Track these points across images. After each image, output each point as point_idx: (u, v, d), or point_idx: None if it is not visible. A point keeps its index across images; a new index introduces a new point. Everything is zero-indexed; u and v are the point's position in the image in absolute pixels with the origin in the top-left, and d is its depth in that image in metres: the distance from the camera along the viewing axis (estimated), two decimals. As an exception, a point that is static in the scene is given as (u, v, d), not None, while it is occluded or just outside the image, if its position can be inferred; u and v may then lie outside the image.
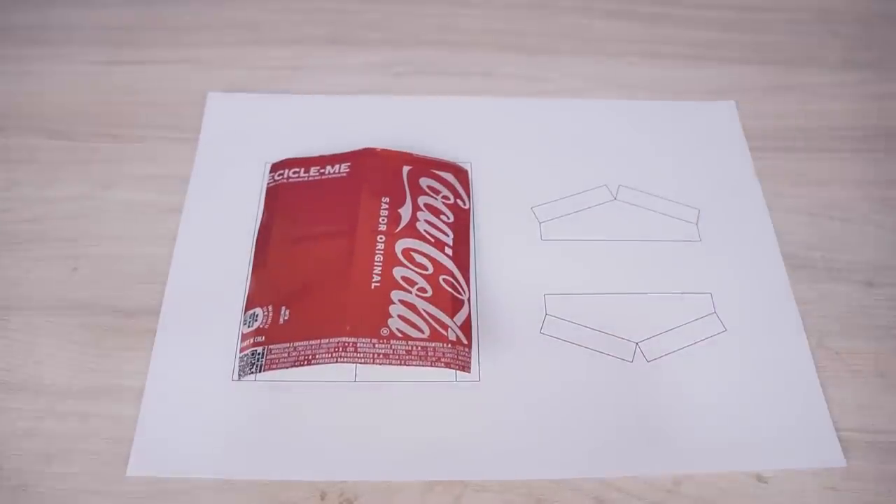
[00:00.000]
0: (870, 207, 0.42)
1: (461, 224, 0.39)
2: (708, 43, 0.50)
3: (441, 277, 0.36)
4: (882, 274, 0.39)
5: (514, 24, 0.51)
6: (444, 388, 0.35)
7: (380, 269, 0.35)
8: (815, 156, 0.44)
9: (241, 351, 0.35)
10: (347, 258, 0.36)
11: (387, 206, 0.38)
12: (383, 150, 0.40)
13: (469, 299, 0.37)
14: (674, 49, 0.50)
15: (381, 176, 0.39)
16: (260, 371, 0.34)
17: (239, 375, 0.34)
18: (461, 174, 0.41)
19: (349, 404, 0.34)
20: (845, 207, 0.42)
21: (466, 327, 0.36)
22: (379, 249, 0.36)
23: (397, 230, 0.37)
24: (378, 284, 0.35)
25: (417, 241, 0.37)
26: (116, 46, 0.48)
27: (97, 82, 0.46)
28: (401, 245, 0.37)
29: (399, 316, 0.34)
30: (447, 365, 0.34)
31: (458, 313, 0.36)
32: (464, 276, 0.37)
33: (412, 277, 0.36)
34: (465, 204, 0.40)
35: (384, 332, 0.34)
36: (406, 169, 0.40)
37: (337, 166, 0.40)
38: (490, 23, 0.51)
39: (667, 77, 0.48)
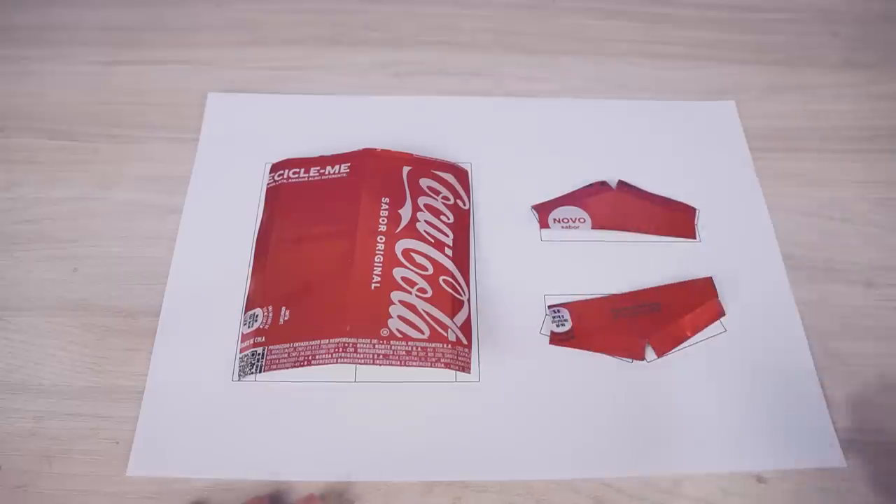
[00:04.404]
0: (869, 208, 0.42)
1: (461, 224, 0.39)
2: (708, 43, 0.50)
3: (441, 278, 0.36)
4: (881, 274, 0.39)
5: (514, 24, 0.51)
6: (443, 388, 0.35)
7: (380, 269, 0.35)
8: (816, 156, 0.44)
9: (241, 351, 0.35)
10: (348, 259, 0.36)
11: (387, 207, 0.38)
12: (383, 151, 0.40)
13: (469, 300, 0.37)
14: (674, 49, 0.50)
15: (381, 176, 0.39)
16: (260, 371, 0.34)
17: (239, 376, 0.34)
18: (461, 174, 0.41)
19: (349, 404, 0.34)
20: (845, 208, 0.42)
21: (466, 328, 0.36)
22: (379, 250, 0.36)
23: (397, 231, 0.37)
24: (378, 285, 0.35)
25: (417, 242, 0.37)
26: (117, 47, 0.48)
27: (97, 82, 0.46)
28: (401, 246, 0.37)
29: (399, 316, 0.34)
30: (447, 365, 0.34)
31: (458, 314, 0.36)
32: (464, 277, 0.37)
33: (412, 278, 0.36)
34: (465, 204, 0.40)
35: (384, 332, 0.34)
36: (406, 169, 0.40)
37: (337, 167, 0.40)
38: (490, 23, 0.51)
39: (667, 77, 0.48)
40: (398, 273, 0.36)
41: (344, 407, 0.34)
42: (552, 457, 0.33)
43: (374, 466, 0.33)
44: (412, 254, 0.37)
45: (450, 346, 0.34)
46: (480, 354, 0.36)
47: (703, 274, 0.38)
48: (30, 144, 0.43)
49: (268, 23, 0.50)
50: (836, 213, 0.42)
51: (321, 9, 0.51)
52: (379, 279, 0.35)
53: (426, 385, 0.35)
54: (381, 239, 0.37)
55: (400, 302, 0.35)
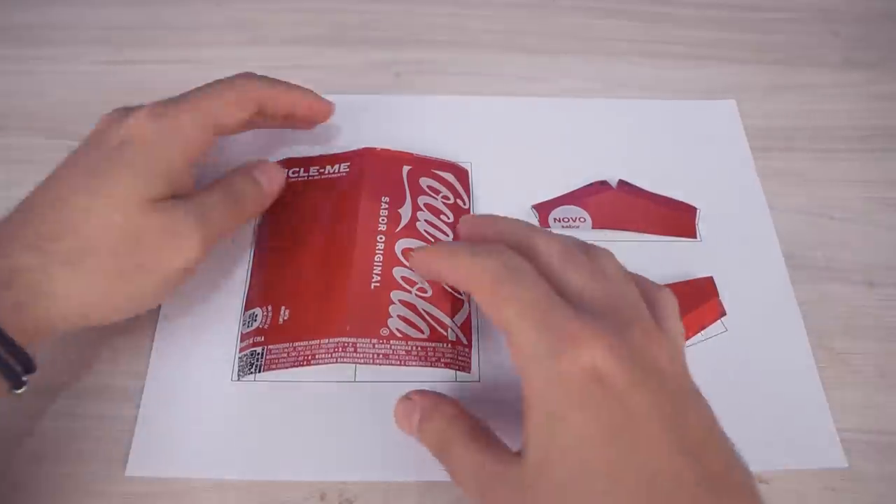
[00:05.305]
0: (871, 207, 0.42)
1: None
2: (708, 42, 0.50)
3: None
4: (883, 274, 0.39)
5: (514, 23, 0.51)
6: (444, 388, 0.35)
7: (380, 269, 0.35)
8: (816, 155, 0.44)
9: (240, 351, 0.35)
10: (347, 258, 0.36)
11: (387, 206, 0.38)
12: (383, 150, 0.40)
13: (469, 299, 0.37)
14: (674, 48, 0.50)
15: (381, 176, 0.39)
16: (259, 371, 0.34)
17: (238, 375, 0.34)
18: (461, 174, 0.41)
19: (349, 404, 0.34)
20: (846, 207, 0.42)
21: (466, 327, 0.36)
22: (379, 249, 0.36)
23: (397, 230, 0.37)
24: (378, 284, 0.35)
25: (417, 241, 0.37)
26: (117, 46, 0.48)
27: (98, 82, 0.46)
28: (401, 245, 0.36)
29: (399, 316, 0.34)
30: (447, 365, 0.34)
31: (459, 313, 0.36)
32: None
33: (412, 277, 0.35)
34: (464, 204, 0.40)
35: (384, 332, 0.34)
36: (406, 169, 0.40)
37: (337, 166, 0.40)
38: (490, 23, 0.51)
39: (667, 76, 0.48)
40: (398, 272, 0.35)
41: (344, 406, 0.34)
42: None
43: (373, 466, 0.33)
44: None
45: (450, 345, 0.34)
46: (480, 354, 0.36)
47: (703, 273, 0.38)
48: (29, 144, 0.43)
49: (268, 22, 0.50)
50: (837, 212, 0.42)
51: (321, 8, 0.51)
52: (379, 278, 0.35)
53: (426, 385, 0.35)
54: (380, 238, 0.36)
55: (400, 301, 0.35)
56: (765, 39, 0.51)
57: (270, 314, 0.35)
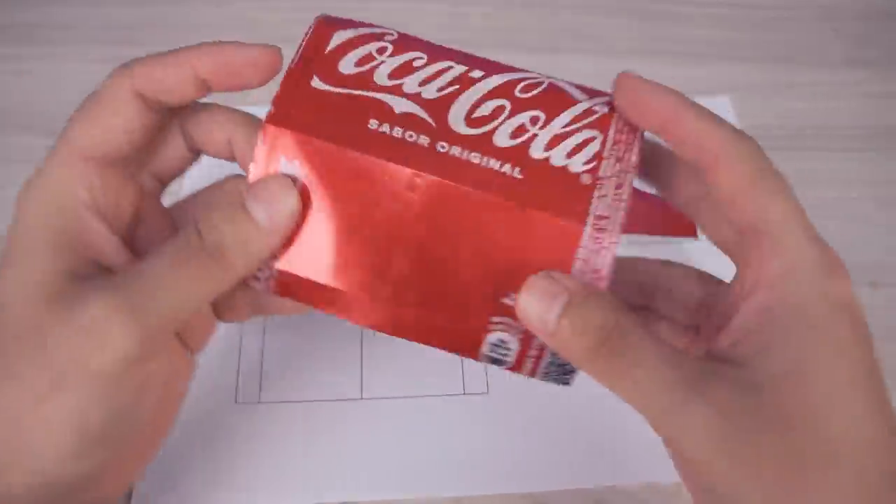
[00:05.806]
0: (873, 207, 0.42)
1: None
2: (709, 40, 0.50)
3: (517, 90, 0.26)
4: (885, 274, 0.39)
5: (513, 21, 0.51)
6: (452, 402, 0.34)
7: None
8: (817, 155, 0.44)
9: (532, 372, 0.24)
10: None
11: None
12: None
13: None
14: (674, 46, 0.49)
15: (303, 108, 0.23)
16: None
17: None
18: None
19: (356, 422, 0.34)
20: (848, 207, 0.42)
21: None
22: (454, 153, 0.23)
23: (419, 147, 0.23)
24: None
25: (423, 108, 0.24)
26: (117, 46, 0.48)
27: (97, 81, 0.46)
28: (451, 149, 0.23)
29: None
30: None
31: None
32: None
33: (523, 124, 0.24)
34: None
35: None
36: (336, 38, 0.25)
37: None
38: (490, 20, 0.51)
39: (667, 75, 0.47)
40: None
41: (351, 425, 0.34)
42: (559, 466, 0.33)
43: (381, 484, 0.32)
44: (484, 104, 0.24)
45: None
46: (488, 366, 0.35)
47: (705, 273, 0.38)
48: (29, 144, 0.43)
49: (267, 21, 0.50)
50: (840, 212, 0.42)
51: (321, 7, 0.51)
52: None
53: (434, 397, 0.34)
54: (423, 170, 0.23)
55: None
56: (765, 37, 0.50)
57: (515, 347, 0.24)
